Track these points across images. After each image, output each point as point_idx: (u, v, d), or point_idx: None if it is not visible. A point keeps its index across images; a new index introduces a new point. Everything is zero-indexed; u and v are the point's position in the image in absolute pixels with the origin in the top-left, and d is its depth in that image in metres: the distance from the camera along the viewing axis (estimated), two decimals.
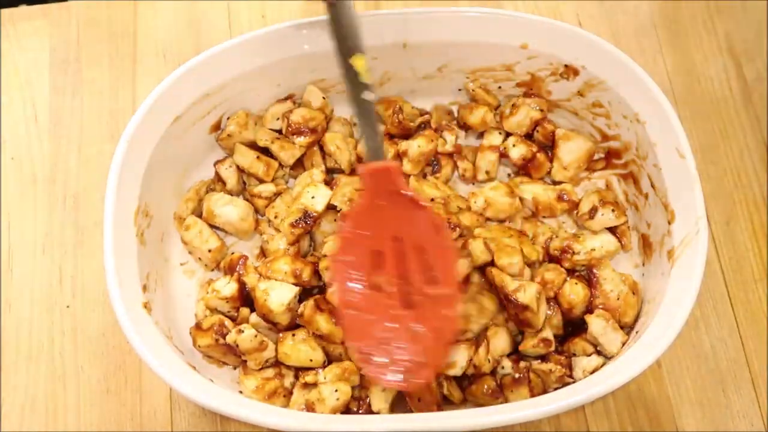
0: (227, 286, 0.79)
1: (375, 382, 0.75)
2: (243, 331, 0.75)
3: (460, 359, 0.75)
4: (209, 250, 0.83)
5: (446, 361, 0.75)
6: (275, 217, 0.84)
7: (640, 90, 0.80)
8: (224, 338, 0.76)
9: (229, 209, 0.84)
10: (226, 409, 0.67)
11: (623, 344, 0.77)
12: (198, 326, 0.78)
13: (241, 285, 0.80)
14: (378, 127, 0.72)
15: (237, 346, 0.75)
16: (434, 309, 0.73)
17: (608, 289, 0.78)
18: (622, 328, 0.78)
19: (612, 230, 0.84)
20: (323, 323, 0.76)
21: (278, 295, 0.77)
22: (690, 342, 0.83)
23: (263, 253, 0.84)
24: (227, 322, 0.78)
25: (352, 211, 0.74)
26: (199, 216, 0.85)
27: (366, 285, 0.74)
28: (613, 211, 0.82)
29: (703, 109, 0.94)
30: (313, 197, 0.82)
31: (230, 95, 0.84)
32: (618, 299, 0.78)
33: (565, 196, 0.85)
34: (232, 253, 0.84)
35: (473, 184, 0.89)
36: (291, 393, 0.77)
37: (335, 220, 0.83)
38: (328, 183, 0.85)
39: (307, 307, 0.77)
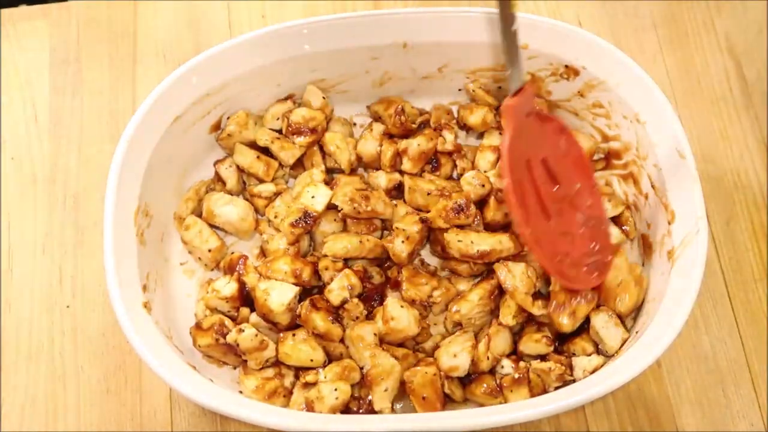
0: (227, 286, 0.79)
1: (585, 287, 0.78)
2: (243, 331, 0.75)
3: (462, 362, 0.75)
4: (209, 250, 0.83)
5: (612, 241, 0.81)
6: (275, 216, 0.84)
7: (640, 90, 0.80)
8: (224, 338, 0.76)
9: (229, 209, 0.84)
10: (226, 409, 0.67)
11: (624, 342, 0.77)
12: (198, 326, 0.78)
13: (241, 285, 0.80)
14: (519, 56, 0.73)
15: (237, 345, 0.75)
16: (577, 204, 0.78)
17: (612, 276, 0.78)
18: (619, 317, 0.78)
19: (616, 222, 0.84)
20: (319, 321, 0.76)
21: (278, 295, 0.77)
22: (690, 342, 0.83)
23: (263, 253, 0.84)
24: (227, 322, 0.78)
25: (508, 149, 0.73)
26: (199, 216, 0.85)
27: (530, 210, 0.75)
28: (609, 201, 0.83)
29: (703, 109, 0.94)
30: (313, 197, 0.82)
31: (230, 95, 0.84)
32: (618, 285, 0.78)
33: None
34: (232, 253, 0.84)
35: None
36: (291, 393, 0.77)
37: (335, 220, 0.83)
38: (328, 183, 0.85)
39: (304, 306, 0.77)
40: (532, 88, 0.75)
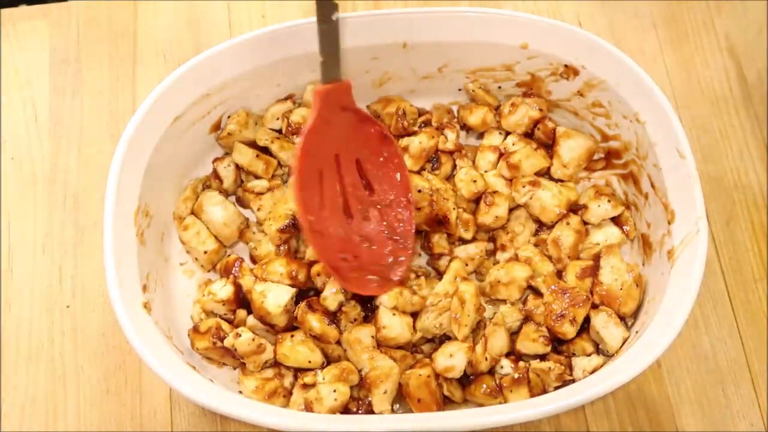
0: (223, 289, 0.79)
1: (362, 293, 0.78)
2: (240, 335, 0.75)
3: (458, 362, 0.75)
4: (205, 252, 0.83)
5: (411, 258, 0.80)
6: (258, 209, 0.84)
7: (640, 90, 0.80)
8: (222, 341, 0.76)
9: (217, 210, 0.84)
10: (226, 409, 0.67)
11: (624, 341, 0.77)
12: (196, 329, 0.78)
13: (237, 288, 0.79)
14: (339, 48, 0.74)
15: (235, 349, 0.75)
16: (386, 214, 0.79)
17: (611, 279, 0.78)
18: (621, 318, 0.78)
19: (616, 222, 0.84)
20: (315, 323, 0.76)
21: (275, 296, 0.77)
22: (690, 342, 0.83)
23: (253, 260, 0.84)
24: (224, 326, 0.77)
25: (308, 132, 0.75)
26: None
27: (325, 201, 0.77)
28: (609, 201, 0.83)
29: (703, 109, 0.94)
30: None
31: (230, 95, 0.84)
32: (621, 289, 0.78)
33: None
34: (228, 255, 0.84)
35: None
36: (291, 393, 0.77)
37: None
38: None
39: (300, 308, 0.77)
40: (350, 86, 0.75)
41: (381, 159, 0.80)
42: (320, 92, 0.74)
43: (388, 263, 0.79)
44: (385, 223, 0.79)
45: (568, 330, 0.77)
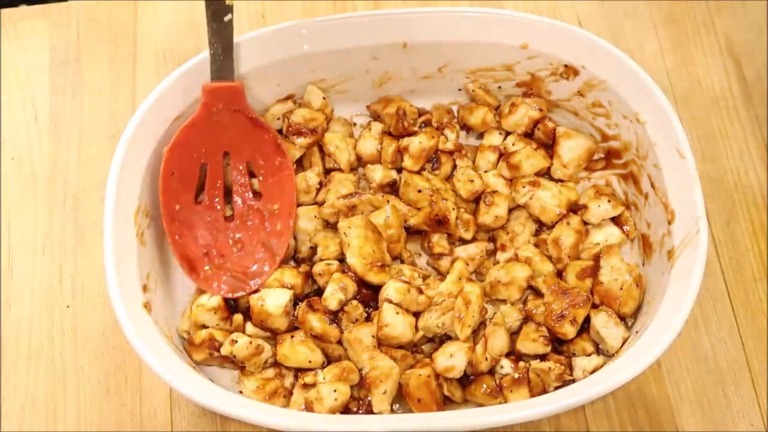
0: (211, 299, 0.78)
1: (204, 289, 0.79)
2: (237, 341, 0.75)
3: (458, 362, 0.75)
4: None
5: (274, 271, 0.80)
6: None
7: (640, 90, 0.80)
8: (218, 351, 0.76)
9: None
10: (226, 409, 0.67)
11: (624, 341, 0.77)
12: (190, 342, 0.78)
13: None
14: (232, 48, 0.76)
15: (234, 356, 0.75)
16: (267, 223, 0.81)
17: (611, 279, 0.78)
18: (621, 318, 0.78)
19: (616, 222, 0.84)
20: (315, 322, 0.76)
21: (274, 299, 0.77)
22: (690, 342, 0.83)
23: None
24: (217, 335, 0.77)
25: (186, 125, 0.78)
26: None
27: (194, 197, 0.80)
28: (609, 201, 0.83)
29: (703, 109, 0.94)
30: None
31: None
32: (621, 289, 0.78)
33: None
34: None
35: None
36: (291, 393, 0.77)
37: (315, 216, 0.83)
38: (324, 183, 0.85)
39: (301, 308, 0.77)
40: (240, 89, 0.78)
41: (273, 167, 0.82)
42: (206, 89, 0.77)
43: (251, 270, 0.80)
44: (264, 231, 0.81)
45: (569, 330, 0.77)
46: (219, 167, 0.81)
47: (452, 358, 0.75)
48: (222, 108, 0.78)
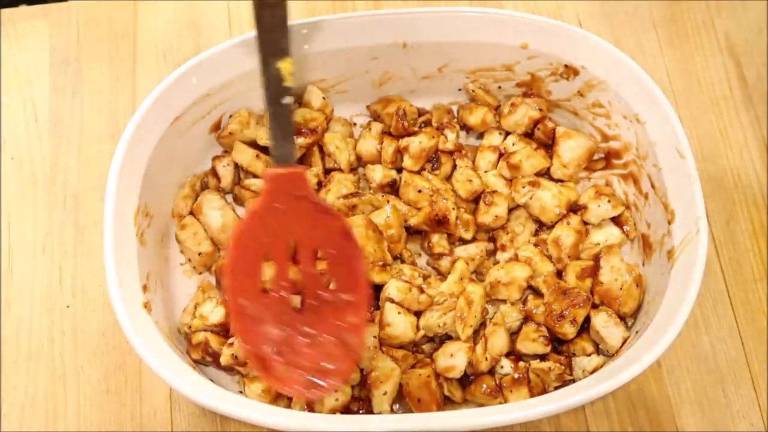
0: (214, 312, 0.78)
1: (280, 390, 0.73)
2: (234, 344, 0.75)
3: (459, 362, 0.75)
4: (199, 254, 0.82)
5: (353, 369, 0.73)
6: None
7: (640, 90, 0.80)
8: (210, 356, 0.76)
9: (216, 215, 0.83)
10: (226, 409, 0.67)
11: (624, 340, 0.77)
12: (189, 340, 0.78)
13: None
14: (292, 131, 0.71)
15: (236, 359, 0.75)
16: (338, 315, 0.72)
17: (611, 278, 0.78)
18: (621, 318, 0.78)
19: (616, 222, 0.84)
20: None
21: None
22: (690, 342, 0.83)
23: None
24: (212, 342, 0.76)
25: (249, 214, 0.72)
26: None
27: (262, 289, 0.73)
28: (609, 201, 0.83)
29: (703, 109, 0.94)
30: None
31: (230, 95, 0.84)
32: (621, 289, 0.78)
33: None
34: (224, 257, 0.83)
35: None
36: None
37: None
38: (323, 182, 0.85)
39: None
40: (303, 175, 0.71)
41: (342, 255, 0.73)
42: (269, 175, 0.71)
43: (327, 368, 0.71)
44: (336, 324, 0.73)
45: (569, 330, 0.77)
46: (285, 257, 0.73)
47: (453, 358, 0.75)
48: (285, 194, 0.71)
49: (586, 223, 0.84)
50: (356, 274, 0.73)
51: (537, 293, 0.81)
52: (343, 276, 0.73)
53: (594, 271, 0.80)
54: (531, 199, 0.84)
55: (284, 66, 0.69)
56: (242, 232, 0.72)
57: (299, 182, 0.71)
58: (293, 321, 0.73)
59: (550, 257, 0.83)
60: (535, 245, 0.84)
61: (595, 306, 0.79)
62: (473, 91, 0.88)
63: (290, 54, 0.69)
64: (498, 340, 0.78)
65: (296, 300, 0.74)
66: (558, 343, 0.80)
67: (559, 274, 0.82)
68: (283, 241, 0.73)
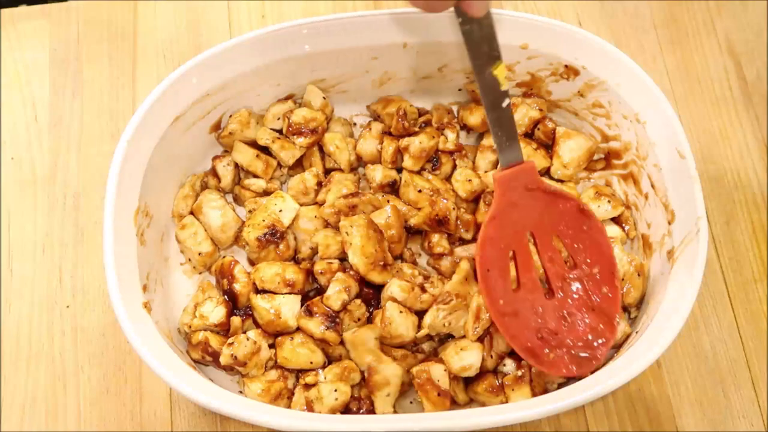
0: (215, 312, 0.78)
1: (553, 373, 0.75)
2: (234, 343, 0.75)
3: (474, 361, 0.75)
4: (199, 254, 0.82)
5: (615, 335, 0.76)
6: (251, 211, 0.84)
7: (640, 90, 0.80)
8: (209, 355, 0.76)
9: (216, 214, 0.83)
10: (226, 409, 0.67)
11: (625, 336, 0.77)
12: (188, 339, 0.78)
13: (229, 309, 0.79)
14: (516, 133, 0.73)
15: (235, 359, 0.75)
16: (592, 289, 0.76)
17: None
18: (625, 309, 0.79)
19: (616, 222, 0.84)
20: (314, 329, 0.76)
21: (288, 309, 0.77)
22: (690, 342, 0.83)
23: (251, 262, 0.84)
24: (212, 341, 0.76)
25: (488, 219, 0.75)
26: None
27: (520, 281, 0.76)
28: (609, 201, 0.83)
29: (703, 109, 0.94)
30: (280, 210, 0.82)
31: (230, 95, 0.84)
32: (623, 279, 0.78)
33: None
34: (224, 257, 0.83)
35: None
36: (293, 394, 0.77)
37: (315, 216, 0.83)
38: (323, 183, 0.85)
39: (299, 313, 0.78)
40: (533, 167, 0.74)
41: (581, 232, 0.77)
42: (500, 179, 0.73)
43: (587, 340, 0.75)
44: (589, 298, 0.77)
45: None
46: (527, 249, 0.76)
47: (467, 358, 0.75)
48: (519, 191, 0.75)
49: None
50: (600, 244, 0.77)
51: None
52: (585, 251, 0.77)
53: None
54: None
55: (498, 71, 0.69)
56: (486, 237, 0.74)
57: (531, 175, 0.74)
58: (548, 307, 0.76)
59: None
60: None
61: None
62: (473, 91, 0.88)
63: (501, 58, 0.69)
64: (502, 338, 0.77)
65: (544, 288, 0.77)
66: None
67: None
68: (522, 234, 0.76)
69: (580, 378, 0.73)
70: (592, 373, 0.73)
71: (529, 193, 0.75)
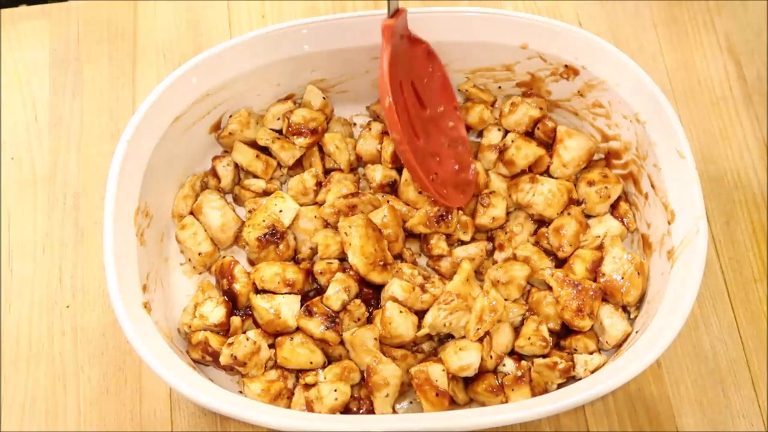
0: (214, 312, 0.78)
1: (454, 205, 0.81)
2: (233, 343, 0.75)
3: (473, 361, 0.75)
4: (199, 254, 0.82)
5: (473, 167, 0.84)
6: (250, 211, 0.84)
7: (640, 90, 0.80)
8: (209, 355, 0.76)
9: (216, 214, 0.83)
10: (226, 409, 0.67)
11: (625, 335, 0.77)
12: (188, 339, 0.78)
13: (229, 308, 0.79)
14: None
15: (235, 359, 0.75)
16: (443, 124, 0.83)
17: (614, 269, 0.79)
18: (624, 309, 0.79)
19: (615, 215, 0.85)
20: (314, 329, 0.76)
21: (288, 309, 0.77)
22: (690, 342, 0.83)
23: (251, 262, 0.84)
24: (212, 341, 0.76)
25: (386, 68, 0.75)
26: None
27: (406, 127, 0.78)
28: (605, 177, 0.84)
29: (703, 109, 0.94)
30: (280, 210, 0.82)
31: (230, 95, 0.84)
32: (623, 278, 0.78)
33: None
34: (223, 257, 0.83)
35: None
36: (293, 394, 0.77)
37: (315, 217, 0.83)
38: (322, 183, 0.85)
39: (298, 313, 0.78)
40: (406, 11, 0.77)
41: (429, 76, 0.82)
42: (390, 26, 0.75)
43: (455, 170, 0.82)
44: (443, 134, 0.83)
45: (587, 324, 0.77)
46: (401, 97, 0.78)
47: (466, 358, 0.75)
48: (396, 39, 0.76)
49: (587, 216, 0.85)
50: (443, 86, 0.84)
51: (537, 289, 0.81)
52: (433, 91, 0.83)
53: (597, 262, 0.80)
54: (534, 195, 0.83)
55: None
56: (391, 89, 0.74)
57: (404, 21, 0.77)
58: (422, 148, 0.80)
59: (549, 251, 0.83)
60: (535, 243, 0.84)
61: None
62: (466, 90, 0.88)
63: None
64: (502, 337, 0.77)
65: (415, 130, 0.80)
66: (559, 338, 0.80)
67: (561, 264, 0.83)
68: (398, 81, 0.78)
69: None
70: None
71: (400, 41, 0.77)
